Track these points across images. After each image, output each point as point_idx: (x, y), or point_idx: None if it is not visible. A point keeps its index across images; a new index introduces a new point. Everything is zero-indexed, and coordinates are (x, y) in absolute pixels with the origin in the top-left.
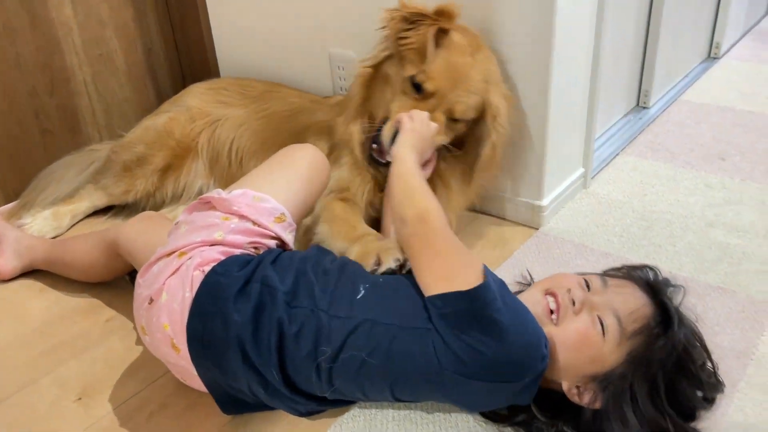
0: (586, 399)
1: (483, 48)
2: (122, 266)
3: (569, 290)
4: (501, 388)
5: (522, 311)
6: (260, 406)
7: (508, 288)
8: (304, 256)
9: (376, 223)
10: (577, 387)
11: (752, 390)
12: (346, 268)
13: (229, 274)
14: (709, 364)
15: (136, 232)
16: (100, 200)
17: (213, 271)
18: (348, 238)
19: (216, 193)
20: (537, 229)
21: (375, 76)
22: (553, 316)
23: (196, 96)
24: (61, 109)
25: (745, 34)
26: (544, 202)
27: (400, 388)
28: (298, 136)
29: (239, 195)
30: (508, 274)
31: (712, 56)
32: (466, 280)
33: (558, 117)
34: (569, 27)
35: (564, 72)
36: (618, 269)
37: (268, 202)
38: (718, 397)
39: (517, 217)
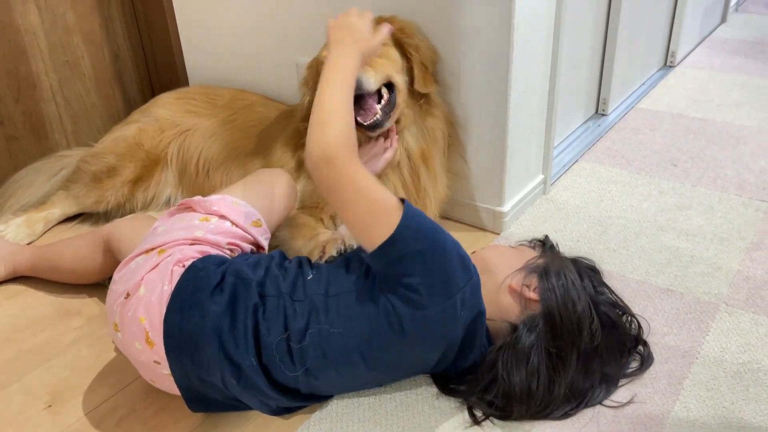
0: (534, 288)
1: None
2: (113, 264)
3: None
4: (448, 311)
5: (438, 233)
6: (228, 406)
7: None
8: (270, 256)
9: None
10: (524, 286)
11: (696, 387)
12: (301, 262)
13: (207, 269)
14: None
15: (128, 229)
16: (71, 208)
17: (193, 266)
18: (304, 238)
19: (195, 198)
20: (498, 234)
21: None
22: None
23: (165, 106)
24: (27, 115)
25: (700, 43)
26: (505, 208)
27: (370, 352)
28: (266, 149)
29: (218, 198)
30: None
31: (668, 65)
32: (382, 228)
33: (517, 126)
34: (527, 39)
35: (522, 83)
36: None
37: (245, 207)
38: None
39: (479, 223)
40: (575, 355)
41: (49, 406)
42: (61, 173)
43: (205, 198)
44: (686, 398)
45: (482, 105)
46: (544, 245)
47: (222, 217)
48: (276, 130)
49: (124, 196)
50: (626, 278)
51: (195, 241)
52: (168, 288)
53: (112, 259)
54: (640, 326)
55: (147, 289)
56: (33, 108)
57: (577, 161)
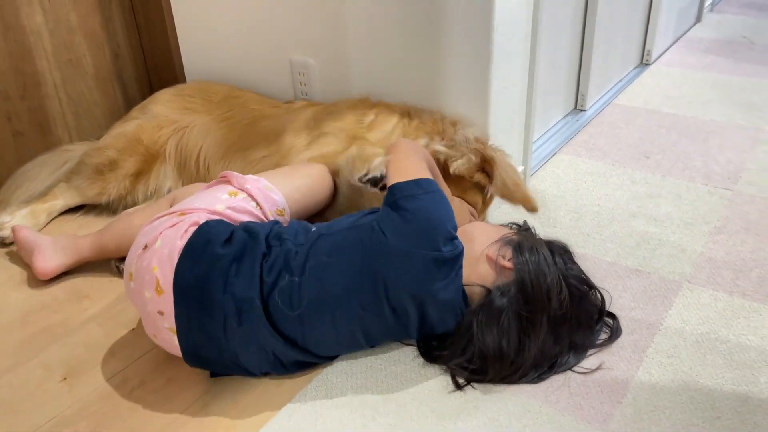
0: (508, 258)
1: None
2: None
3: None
4: (428, 259)
5: (449, 205)
6: (224, 366)
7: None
8: (275, 220)
9: None
10: (499, 255)
11: (658, 355)
12: (305, 224)
13: (218, 226)
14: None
15: (188, 191)
16: (73, 199)
17: (206, 223)
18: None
19: (234, 172)
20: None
21: None
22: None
23: (163, 103)
24: (32, 111)
25: (675, 42)
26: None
27: (362, 283)
28: (274, 138)
29: (254, 179)
30: None
31: (643, 63)
32: (417, 175)
33: (498, 120)
34: (507, 39)
35: (502, 80)
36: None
37: (276, 194)
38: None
39: None
40: (545, 320)
41: (65, 378)
42: (65, 167)
43: (243, 175)
44: (649, 365)
45: (465, 101)
46: (521, 228)
47: (250, 196)
48: (284, 121)
49: (126, 188)
50: (599, 260)
51: (213, 213)
52: (181, 243)
53: None
54: (603, 298)
55: (163, 242)
56: (38, 105)
57: (555, 154)
